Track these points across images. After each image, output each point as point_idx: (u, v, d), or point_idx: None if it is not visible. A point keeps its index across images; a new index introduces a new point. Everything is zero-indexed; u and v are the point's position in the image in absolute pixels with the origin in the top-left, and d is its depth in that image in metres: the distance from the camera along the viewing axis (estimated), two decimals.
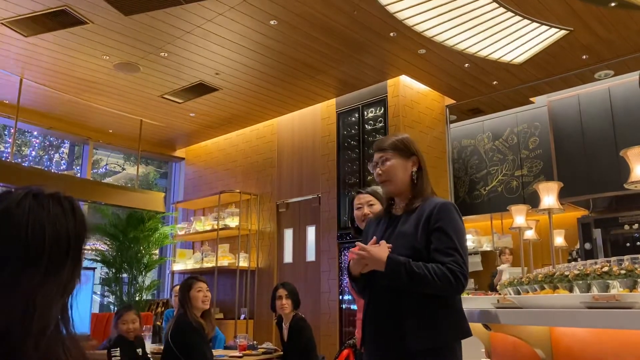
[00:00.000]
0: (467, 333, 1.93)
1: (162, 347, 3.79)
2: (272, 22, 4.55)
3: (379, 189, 2.78)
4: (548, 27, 4.69)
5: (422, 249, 1.92)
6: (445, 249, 1.87)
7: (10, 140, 6.46)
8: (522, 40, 4.93)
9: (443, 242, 1.89)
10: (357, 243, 1.96)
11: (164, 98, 6.19)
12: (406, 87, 5.76)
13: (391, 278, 1.86)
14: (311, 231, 6.33)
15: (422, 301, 1.87)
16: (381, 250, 1.88)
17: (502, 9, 4.43)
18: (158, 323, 5.58)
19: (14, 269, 0.81)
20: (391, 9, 4.36)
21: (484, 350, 2.74)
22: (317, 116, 6.47)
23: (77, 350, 0.85)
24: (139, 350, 3.85)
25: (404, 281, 1.83)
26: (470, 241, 6.34)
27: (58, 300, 0.84)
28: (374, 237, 1.98)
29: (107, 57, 5.19)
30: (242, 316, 6.60)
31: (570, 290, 2.00)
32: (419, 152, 2.11)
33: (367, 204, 2.76)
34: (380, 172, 2.09)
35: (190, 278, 3.77)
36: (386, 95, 5.76)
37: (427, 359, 1.83)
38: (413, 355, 1.84)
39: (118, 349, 3.73)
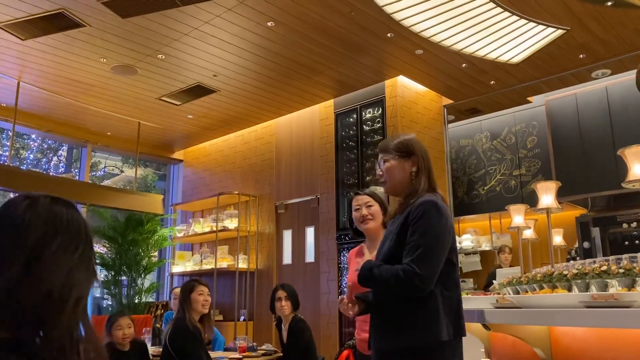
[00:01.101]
0: (436, 335, 1.80)
1: (161, 350, 3.77)
2: (269, 24, 4.55)
3: (377, 189, 2.79)
4: (545, 27, 4.70)
5: (401, 252, 1.90)
6: (409, 248, 1.84)
7: (8, 143, 6.45)
8: (519, 40, 4.94)
9: (410, 241, 1.86)
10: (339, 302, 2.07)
11: (162, 100, 6.19)
12: (404, 87, 5.76)
13: (363, 283, 1.96)
14: (310, 232, 6.33)
15: (396, 303, 1.89)
16: (350, 289, 2.02)
17: (499, 9, 4.44)
18: (158, 325, 5.57)
19: (59, 249, 0.98)
20: (388, 9, 4.37)
21: (483, 350, 2.74)
22: (315, 117, 6.48)
23: (94, 344, 0.99)
24: None
25: (370, 284, 1.95)
26: (469, 241, 6.34)
27: (84, 281, 1.00)
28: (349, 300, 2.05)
29: (105, 60, 5.18)
30: (242, 318, 6.60)
31: (569, 289, 2.00)
32: (420, 153, 2.07)
33: (365, 205, 2.75)
34: (380, 172, 2.12)
35: (193, 280, 3.75)
36: (384, 96, 5.77)
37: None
38: (385, 356, 1.89)
39: None
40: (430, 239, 1.83)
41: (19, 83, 5.64)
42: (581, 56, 5.21)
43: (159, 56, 5.11)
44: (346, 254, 5.75)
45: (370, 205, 2.74)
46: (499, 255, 5.83)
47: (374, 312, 1.99)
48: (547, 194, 2.95)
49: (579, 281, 1.95)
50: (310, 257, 6.27)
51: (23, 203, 1.01)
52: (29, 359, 0.88)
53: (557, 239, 4.40)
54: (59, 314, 0.93)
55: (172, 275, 7.49)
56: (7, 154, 6.33)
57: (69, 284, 0.96)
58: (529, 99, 6.19)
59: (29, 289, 0.92)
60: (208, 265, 6.90)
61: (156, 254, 7.57)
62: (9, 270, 0.92)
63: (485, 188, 6.35)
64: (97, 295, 7.83)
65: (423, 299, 1.83)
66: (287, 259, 6.55)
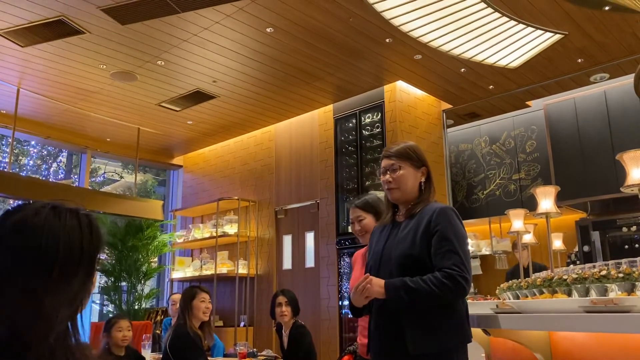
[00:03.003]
0: (468, 338, 1.93)
1: (160, 356, 3.76)
2: (268, 30, 4.57)
3: (371, 198, 2.80)
4: (543, 31, 4.71)
5: (420, 256, 1.93)
6: (445, 253, 1.89)
7: (8, 150, 6.45)
8: (517, 45, 4.95)
9: (443, 246, 1.90)
10: (351, 288, 1.99)
11: (162, 106, 6.20)
12: (403, 92, 5.78)
13: (394, 303, 1.89)
14: (310, 237, 6.33)
15: (430, 308, 1.89)
16: (377, 281, 1.91)
17: (497, 14, 4.46)
18: (157, 331, 5.56)
19: (27, 275, 0.86)
20: (387, 15, 4.38)
21: (484, 355, 2.74)
22: (314, 122, 6.49)
23: (84, 358, 0.89)
24: None
25: (405, 301, 1.86)
26: (469, 245, 6.34)
27: (66, 308, 0.89)
28: (366, 274, 1.97)
29: (104, 66, 5.20)
30: (242, 323, 6.59)
31: (569, 294, 2.00)
32: (427, 162, 2.15)
33: (357, 220, 2.77)
34: (390, 179, 2.10)
35: (195, 287, 3.74)
36: (383, 101, 5.78)
37: None
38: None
39: None
40: (463, 244, 1.93)
41: (18, 90, 5.65)
42: (579, 60, 5.23)
43: (159, 62, 5.12)
44: (346, 259, 5.75)
45: (361, 219, 2.76)
46: (514, 253, 5.65)
47: (406, 314, 1.90)
48: (546, 199, 2.95)
49: (579, 286, 1.95)
50: (310, 262, 6.27)
51: (48, 218, 0.93)
52: None
53: (557, 243, 4.39)
54: (55, 336, 0.86)
55: (171, 281, 7.48)
56: (6, 160, 6.33)
57: (37, 321, 0.86)
58: (527, 103, 6.20)
59: (23, 319, 0.85)
60: (208, 271, 6.89)
61: (156, 259, 7.56)
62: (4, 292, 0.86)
63: (485, 192, 6.35)
64: (97, 301, 7.81)
65: (452, 302, 1.91)
66: (287, 264, 6.54)
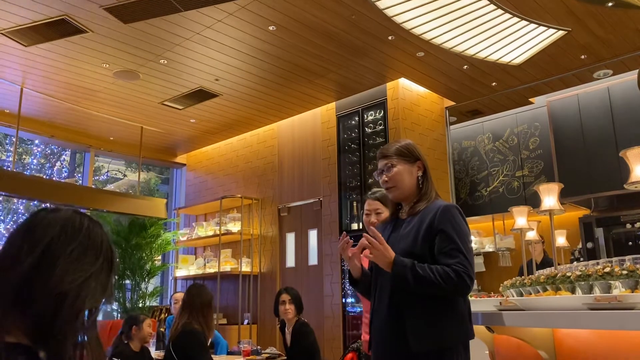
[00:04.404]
0: (470, 335, 1.93)
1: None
2: (270, 28, 4.57)
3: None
4: (546, 28, 4.70)
5: (422, 253, 1.94)
6: (449, 251, 1.89)
7: (11, 149, 6.48)
8: (520, 42, 4.94)
9: (447, 245, 1.91)
10: (364, 234, 1.96)
11: (164, 105, 6.21)
12: (405, 89, 5.77)
13: (397, 280, 1.89)
14: (313, 235, 6.33)
15: (425, 303, 1.89)
16: (390, 251, 1.90)
17: (499, 11, 4.44)
18: (162, 329, 5.58)
19: (82, 257, 0.98)
20: (389, 12, 4.38)
21: (487, 352, 2.74)
22: (317, 120, 6.49)
23: (99, 352, 0.98)
24: None
25: (409, 283, 1.85)
26: (473, 243, 6.33)
27: (100, 293, 1.00)
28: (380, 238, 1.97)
29: (107, 65, 5.21)
30: (246, 321, 6.60)
31: (573, 291, 2.00)
32: (422, 157, 2.14)
33: (375, 212, 2.76)
34: (386, 179, 2.10)
35: (205, 287, 3.75)
36: (386, 98, 5.78)
37: None
38: (416, 358, 1.85)
39: (119, 359, 3.70)
40: (467, 243, 1.93)
41: (22, 89, 5.66)
42: (582, 57, 5.21)
43: (161, 61, 5.13)
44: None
45: (379, 213, 2.75)
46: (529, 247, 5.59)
47: (408, 310, 1.90)
48: (549, 196, 2.95)
49: (582, 283, 1.95)
50: (313, 259, 6.28)
51: (46, 210, 1.02)
52: None
53: (561, 240, 4.39)
54: (69, 323, 0.92)
55: (175, 279, 7.50)
56: (10, 159, 6.35)
57: (83, 294, 0.94)
58: (530, 100, 6.19)
59: (40, 291, 0.90)
60: (211, 269, 6.91)
61: (159, 258, 7.57)
62: (20, 265, 0.91)
63: (488, 189, 6.35)
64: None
65: (454, 300, 1.91)
66: (290, 262, 6.55)
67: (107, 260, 1.02)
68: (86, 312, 0.96)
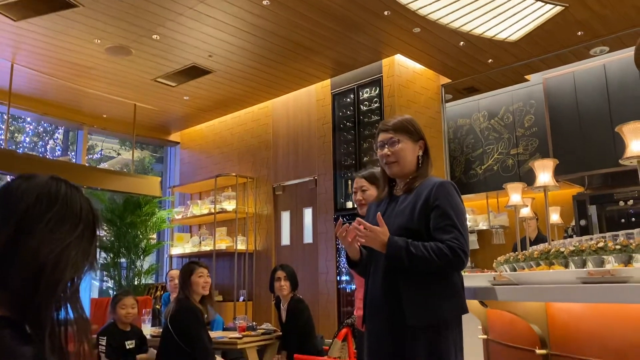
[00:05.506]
0: (464, 310, 1.95)
1: (161, 330, 3.81)
2: (264, 2, 4.49)
3: (377, 171, 2.79)
4: (543, 4, 4.65)
5: (418, 229, 1.94)
6: (445, 227, 1.91)
7: (3, 127, 6.41)
8: (517, 18, 4.89)
9: (442, 220, 1.92)
10: (358, 219, 1.97)
11: (157, 82, 6.14)
12: (401, 66, 5.72)
13: (392, 261, 1.90)
14: (308, 213, 6.34)
15: (419, 278, 1.91)
16: (383, 231, 1.91)
17: None
18: (157, 306, 5.61)
19: (59, 224, 0.94)
20: None
21: (481, 327, 2.77)
22: (312, 97, 6.44)
23: (84, 327, 0.95)
24: (130, 343, 3.80)
25: (404, 263, 1.87)
26: (467, 220, 6.36)
27: (82, 260, 0.96)
28: (379, 214, 1.98)
29: (99, 41, 5.12)
30: (241, 298, 6.65)
31: (566, 266, 2.01)
32: (424, 136, 2.15)
33: (360, 189, 2.79)
34: (389, 152, 2.09)
35: (192, 263, 3.76)
36: (381, 75, 5.73)
37: (426, 335, 1.86)
38: (411, 332, 1.87)
39: (105, 337, 3.69)
40: (462, 219, 1.95)
41: (12, 65, 5.58)
42: (579, 33, 5.17)
43: (154, 36, 5.05)
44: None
45: (364, 190, 2.78)
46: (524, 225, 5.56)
47: (403, 286, 1.91)
48: (544, 172, 2.95)
49: (576, 258, 1.96)
50: (308, 238, 6.30)
51: (22, 178, 0.98)
52: (22, 336, 0.86)
53: (554, 217, 4.41)
54: (50, 294, 0.89)
55: (170, 257, 7.52)
56: (2, 137, 6.29)
57: (63, 262, 0.91)
58: (526, 77, 6.16)
59: (17, 264, 0.88)
60: (207, 247, 6.92)
61: (155, 236, 7.58)
62: None
63: (483, 167, 6.35)
64: (96, 277, 7.86)
65: (449, 274, 1.94)
66: (285, 240, 6.57)
67: (87, 227, 0.98)
68: (69, 282, 0.94)
